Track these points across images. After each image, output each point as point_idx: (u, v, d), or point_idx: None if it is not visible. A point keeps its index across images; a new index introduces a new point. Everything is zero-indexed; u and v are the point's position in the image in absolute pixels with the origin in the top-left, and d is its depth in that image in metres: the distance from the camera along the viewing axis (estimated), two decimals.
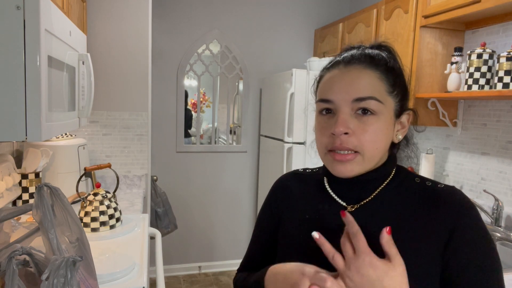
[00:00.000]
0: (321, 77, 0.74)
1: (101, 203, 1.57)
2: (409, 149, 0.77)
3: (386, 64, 0.69)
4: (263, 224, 0.86)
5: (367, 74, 0.67)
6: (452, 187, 0.69)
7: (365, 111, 0.66)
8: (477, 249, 0.63)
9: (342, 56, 0.71)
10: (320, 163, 0.82)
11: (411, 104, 2.10)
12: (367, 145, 0.66)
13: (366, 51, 0.71)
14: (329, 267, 0.67)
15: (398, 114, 0.71)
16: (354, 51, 0.71)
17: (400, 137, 0.73)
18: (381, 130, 0.67)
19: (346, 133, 0.65)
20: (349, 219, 0.61)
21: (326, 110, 0.69)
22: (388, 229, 0.59)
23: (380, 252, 0.65)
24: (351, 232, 0.60)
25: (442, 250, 0.63)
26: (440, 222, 0.65)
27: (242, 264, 0.90)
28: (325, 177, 0.77)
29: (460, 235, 0.63)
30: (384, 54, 0.71)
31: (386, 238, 0.59)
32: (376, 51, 0.71)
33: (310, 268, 0.62)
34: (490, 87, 1.81)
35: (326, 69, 0.73)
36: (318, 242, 0.62)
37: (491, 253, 0.64)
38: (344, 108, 0.66)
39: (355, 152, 0.66)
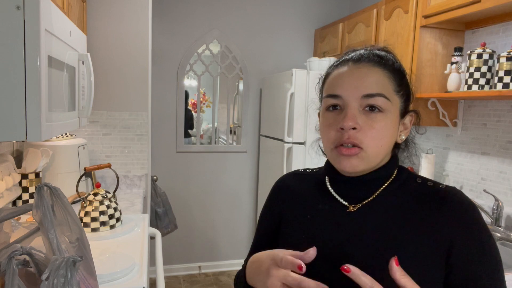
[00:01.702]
0: (328, 74, 0.74)
1: (101, 203, 1.57)
2: (409, 150, 0.77)
3: (393, 64, 0.71)
4: (263, 226, 0.86)
5: (376, 72, 0.68)
6: (453, 188, 0.69)
7: (372, 108, 0.66)
8: (480, 250, 0.64)
9: (350, 55, 0.72)
10: (320, 163, 0.82)
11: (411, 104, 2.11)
12: (373, 142, 0.66)
13: (375, 51, 0.72)
14: (330, 268, 0.67)
15: (403, 114, 0.72)
16: (362, 51, 0.72)
17: (403, 137, 0.74)
18: (387, 127, 0.67)
19: (354, 128, 0.65)
20: (356, 273, 0.54)
21: (334, 106, 0.69)
22: (395, 259, 0.54)
23: (378, 251, 0.65)
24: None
25: (446, 252, 0.63)
26: (443, 223, 0.65)
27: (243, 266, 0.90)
28: (326, 177, 0.78)
29: (463, 237, 0.64)
30: (390, 56, 0.73)
31: (398, 272, 0.53)
32: (383, 52, 0.73)
33: (280, 253, 0.61)
34: (490, 87, 1.81)
35: (334, 66, 0.73)
36: (353, 276, 0.54)
37: (494, 254, 0.64)
38: (352, 103, 0.67)
39: (360, 148, 0.66)
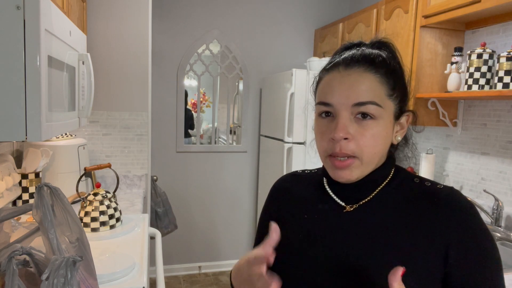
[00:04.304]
0: (320, 78, 0.73)
1: (101, 203, 1.57)
2: (407, 149, 0.76)
3: (386, 66, 0.68)
4: (263, 227, 0.86)
5: (367, 78, 0.66)
6: (451, 188, 0.69)
7: (364, 115, 0.65)
8: (479, 249, 0.63)
9: (342, 57, 0.70)
10: (319, 163, 0.82)
11: (411, 104, 2.11)
12: (366, 150, 0.66)
13: (367, 51, 0.69)
14: (327, 268, 0.67)
15: (398, 116, 0.70)
16: (354, 52, 0.69)
17: (399, 138, 0.72)
18: (380, 134, 0.66)
19: (345, 138, 0.65)
20: None
21: (326, 113, 0.68)
22: (403, 271, 0.53)
23: (374, 252, 0.65)
24: None
25: (444, 253, 0.63)
26: (440, 223, 0.64)
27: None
28: (324, 178, 0.77)
29: (462, 236, 0.63)
30: (384, 55, 0.69)
31: (397, 283, 0.53)
32: (376, 52, 0.69)
33: (251, 254, 0.62)
34: (490, 87, 1.81)
35: (326, 70, 0.71)
36: None
37: (493, 255, 0.64)
38: (343, 112, 0.65)
39: (354, 157, 0.66)
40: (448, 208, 0.65)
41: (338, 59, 0.70)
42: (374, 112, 0.65)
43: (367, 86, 0.66)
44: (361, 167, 0.67)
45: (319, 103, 0.69)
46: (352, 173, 0.67)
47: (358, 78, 0.66)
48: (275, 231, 0.61)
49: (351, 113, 0.65)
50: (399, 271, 0.53)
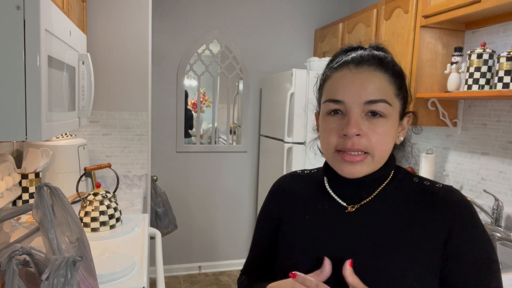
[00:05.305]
0: (327, 76, 0.73)
1: (101, 203, 1.57)
2: (405, 150, 0.77)
3: (393, 67, 0.70)
4: (262, 227, 0.85)
5: (378, 77, 0.67)
6: (450, 187, 0.70)
7: (375, 113, 0.66)
8: (476, 248, 0.64)
9: (350, 57, 0.70)
10: (319, 164, 0.82)
11: (411, 104, 2.11)
12: (377, 147, 0.66)
13: (375, 52, 0.71)
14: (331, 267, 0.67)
15: (401, 116, 0.72)
16: (361, 52, 0.71)
17: (401, 138, 0.74)
18: (389, 132, 0.68)
19: (358, 135, 0.65)
20: (300, 277, 0.63)
21: (335, 111, 0.68)
22: (350, 262, 0.63)
23: (376, 251, 0.65)
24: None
25: (441, 249, 0.64)
26: (439, 221, 0.65)
27: (244, 266, 0.90)
28: (325, 177, 0.77)
29: (459, 235, 0.64)
30: (389, 57, 0.72)
31: (348, 271, 0.62)
32: (383, 54, 0.71)
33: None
34: (490, 87, 1.81)
35: (334, 68, 0.71)
36: (299, 280, 0.63)
37: (490, 251, 0.65)
38: (355, 109, 0.66)
39: (365, 153, 0.66)
40: (446, 207, 0.66)
41: (346, 58, 0.71)
42: (384, 111, 0.66)
43: (378, 84, 0.67)
44: (371, 164, 0.68)
45: (329, 101, 0.69)
46: (362, 170, 0.67)
47: (369, 76, 0.67)
48: (328, 264, 0.64)
49: (362, 110, 0.66)
50: (348, 263, 0.62)
